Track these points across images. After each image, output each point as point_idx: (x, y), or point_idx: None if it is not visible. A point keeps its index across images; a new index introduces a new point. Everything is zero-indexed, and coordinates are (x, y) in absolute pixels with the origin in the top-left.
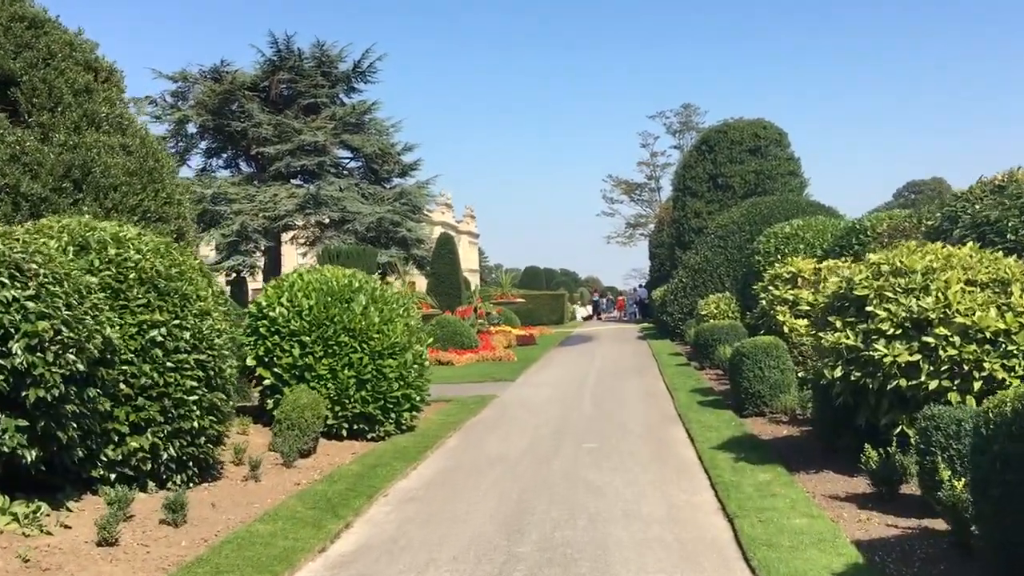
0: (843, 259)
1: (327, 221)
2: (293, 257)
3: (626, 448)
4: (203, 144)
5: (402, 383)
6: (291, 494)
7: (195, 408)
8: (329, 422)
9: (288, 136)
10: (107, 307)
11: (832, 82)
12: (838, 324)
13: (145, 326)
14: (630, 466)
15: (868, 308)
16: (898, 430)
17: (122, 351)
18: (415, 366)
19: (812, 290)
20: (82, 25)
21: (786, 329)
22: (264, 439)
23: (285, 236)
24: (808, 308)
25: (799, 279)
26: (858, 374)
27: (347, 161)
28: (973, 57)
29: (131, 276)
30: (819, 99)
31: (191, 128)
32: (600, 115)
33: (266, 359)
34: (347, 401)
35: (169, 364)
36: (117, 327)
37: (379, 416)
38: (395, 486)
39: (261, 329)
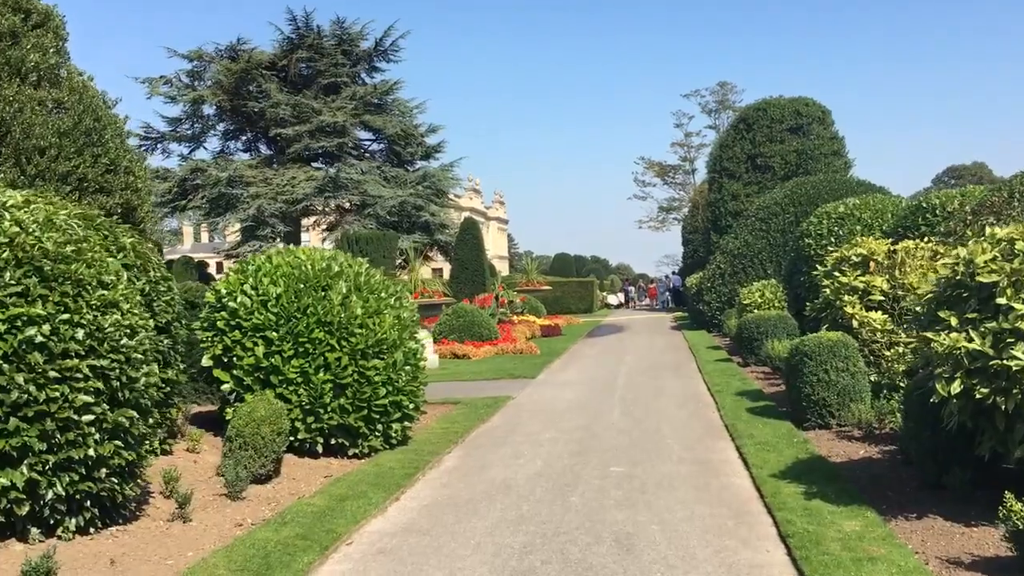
0: (921, 241)
1: (347, 205)
2: (314, 243)
3: (663, 474)
4: (221, 126)
5: (390, 388)
6: (223, 544)
7: (91, 431)
8: (300, 436)
9: (307, 117)
10: None
11: (869, 64)
12: (953, 322)
13: (19, 323)
14: (670, 503)
15: (1000, 300)
16: None
17: None
18: (407, 367)
19: (886, 276)
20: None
21: (855, 323)
22: (218, 458)
23: (306, 221)
24: (882, 298)
25: (871, 263)
26: (985, 390)
27: (368, 143)
28: (1015, 39)
29: (3, 255)
30: (855, 82)
31: (207, 109)
32: (633, 95)
33: (225, 359)
34: (322, 411)
35: (53, 373)
36: None
37: (362, 428)
38: (364, 529)
39: (219, 323)
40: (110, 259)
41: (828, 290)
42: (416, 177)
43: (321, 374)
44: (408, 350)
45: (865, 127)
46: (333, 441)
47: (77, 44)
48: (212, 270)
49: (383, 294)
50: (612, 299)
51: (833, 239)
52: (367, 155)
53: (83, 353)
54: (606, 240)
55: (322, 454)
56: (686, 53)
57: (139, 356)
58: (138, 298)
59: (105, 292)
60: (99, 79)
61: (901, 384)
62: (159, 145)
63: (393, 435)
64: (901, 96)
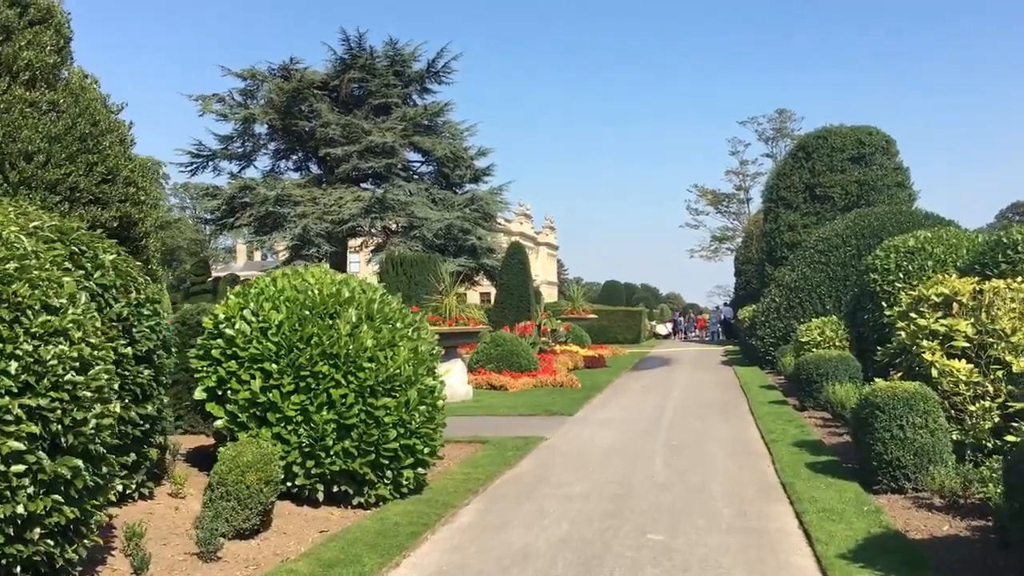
0: (1013, 281)
1: (394, 227)
2: (360, 264)
3: (710, 547)
4: (271, 145)
5: (402, 430)
6: None
7: (23, 483)
8: (299, 482)
9: (356, 137)
10: None
11: (930, 97)
12: None
13: None
14: None
15: None
16: None
17: None
18: (423, 407)
19: (971, 319)
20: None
21: (935, 373)
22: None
23: (353, 242)
24: (966, 344)
25: (954, 304)
26: None
27: (418, 165)
28: None
29: None
30: (913, 114)
31: (258, 128)
32: (688, 122)
33: (219, 392)
34: (324, 454)
35: None
36: None
37: (369, 475)
38: None
39: (214, 351)
40: (66, 278)
41: (903, 333)
42: (464, 200)
43: (324, 412)
44: (424, 387)
45: (923, 160)
46: (336, 488)
47: (127, 61)
48: None
49: (399, 323)
50: (661, 329)
51: (902, 275)
52: (415, 177)
53: (16, 391)
54: (657, 269)
55: (323, 502)
56: (744, 80)
57: (89, 394)
58: (97, 324)
59: (51, 318)
60: (151, 95)
61: (988, 444)
62: (210, 163)
63: (404, 483)
64: (962, 128)
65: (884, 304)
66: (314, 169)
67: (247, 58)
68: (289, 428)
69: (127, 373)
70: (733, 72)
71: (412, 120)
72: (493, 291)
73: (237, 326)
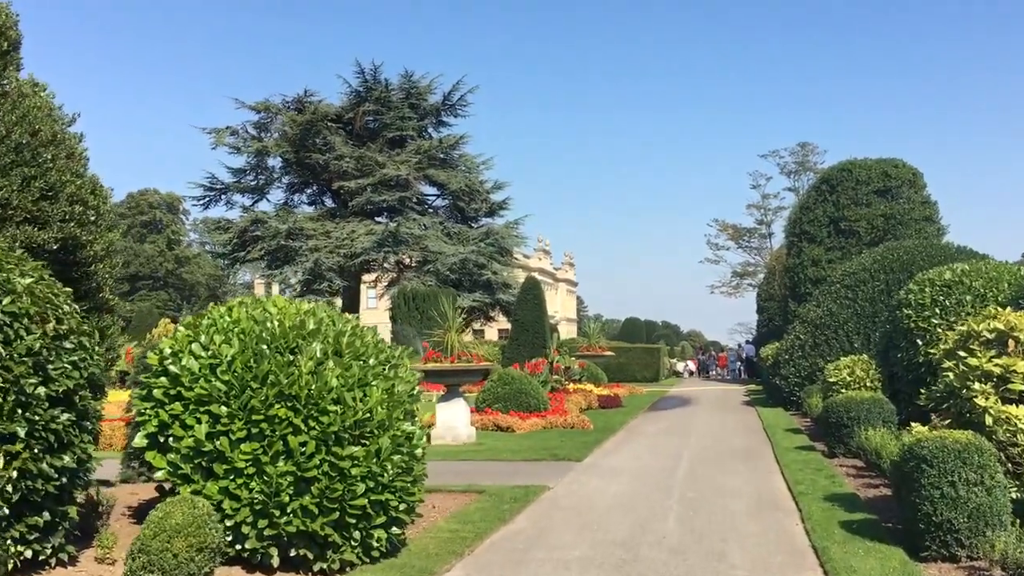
0: None
1: (408, 261)
2: (373, 300)
3: None
4: (286, 179)
5: (373, 483)
6: None
7: None
8: (249, 544)
9: (370, 170)
10: None
11: (962, 132)
12: None
13: None
14: None
15: None
16: None
17: None
18: (397, 456)
19: None
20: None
21: (989, 420)
22: None
23: (368, 278)
24: None
25: (1009, 341)
26: None
27: (433, 198)
28: None
29: None
30: (944, 148)
31: (272, 161)
32: (708, 156)
33: (161, 438)
34: (279, 512)
35: None
36: None
37: (333, 536)
38: None
39: (156, 391)
40: None
41: (951, 374)
42: (479, 234)
43: (280, 463)
44: (400, 433)
45: (946, 195)
46: (293, 552)
47: (141, 95)
48: None
49: (372, 359)
50: (680, 366)
51: (938, 310)
52: (430, 210)
53: None
54: (678, 305)
55: (278, 568)
56: (766, 113)
57: None
58: None
59: None
60: (163, 127)
61: None
62: (223, 196)
63: (375, 545)
64: (990, 164)
65: (919, 342)
66: (328, 203)
67: (261, 91)
68: (239, 481)
69: (37, 417)
70: (755, 104)
71: (427, 153)
72: (507, 327)
73: (184, 362)
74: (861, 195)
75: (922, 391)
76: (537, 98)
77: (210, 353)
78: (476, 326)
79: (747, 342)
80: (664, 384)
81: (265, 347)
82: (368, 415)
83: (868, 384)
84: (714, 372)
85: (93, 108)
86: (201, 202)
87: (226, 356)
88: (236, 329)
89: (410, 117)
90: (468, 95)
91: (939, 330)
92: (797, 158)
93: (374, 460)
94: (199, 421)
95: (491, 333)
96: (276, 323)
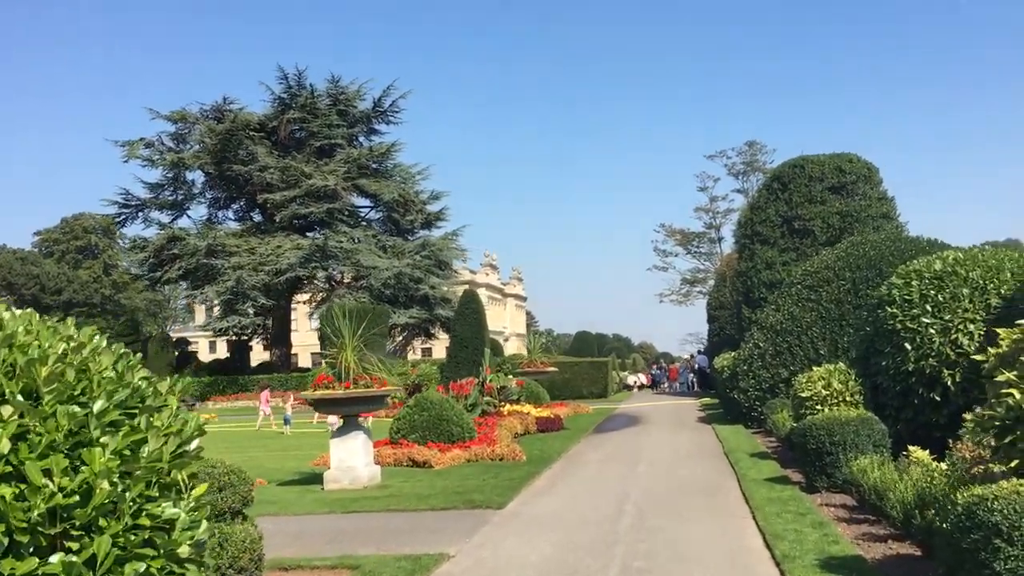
0: None
1: (340, 277)
2: (302, 319)
3: None
4: (209, 194)
5: None
6: None
7: None
8: None
9: (295, 181)
10: None
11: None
12: None
13: None
14: None
15: None
16: None
17: None
18: (140, 564)
19: None
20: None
21: None
22: None
23: (301, 297)
24: None
25: None
26: None
27: (365, 210)
28: None
29: None
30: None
31: (192, 175)
32: (654, 161)
33: None
34: None
35: None
36: None
37: None
38: None
39: None
40: None
41: (1017, 393)
42: (415, 247)
43: None
44: (147, 524)
45: (901, 190)
46: None
47: (50, 105)
48: (200, 348)
49: (102, 402)
50: (632, 379)
51: (929, 307)
52: (363, 223)
53: None
54: (629, 318)
55: None
56: (712, 112)
57: None
58: None
59: None
60: (81, 142)
61: None
62: (140, 213)
63: None
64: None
65: (908, 346)
66: (256, 218)
67: (179, 101)
68: None
69: None
70: (701, 104)
71: (357, 162)
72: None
73: None
74: (815, 192)
75: (967, 416)
76: (479, 109)
77: None
78: (424, 344)
79: (699, 352)
80: (613, 400)
81: None
82: (76, 497)
83: (848, 399)
84: (666, 385)
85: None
86: (117, 220)
87: None
88: None
89: (338, 125)
90: (400, 100)
91: (931, 331)
92: (745, 158)
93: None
94: None
95: (439, 350)
96: None
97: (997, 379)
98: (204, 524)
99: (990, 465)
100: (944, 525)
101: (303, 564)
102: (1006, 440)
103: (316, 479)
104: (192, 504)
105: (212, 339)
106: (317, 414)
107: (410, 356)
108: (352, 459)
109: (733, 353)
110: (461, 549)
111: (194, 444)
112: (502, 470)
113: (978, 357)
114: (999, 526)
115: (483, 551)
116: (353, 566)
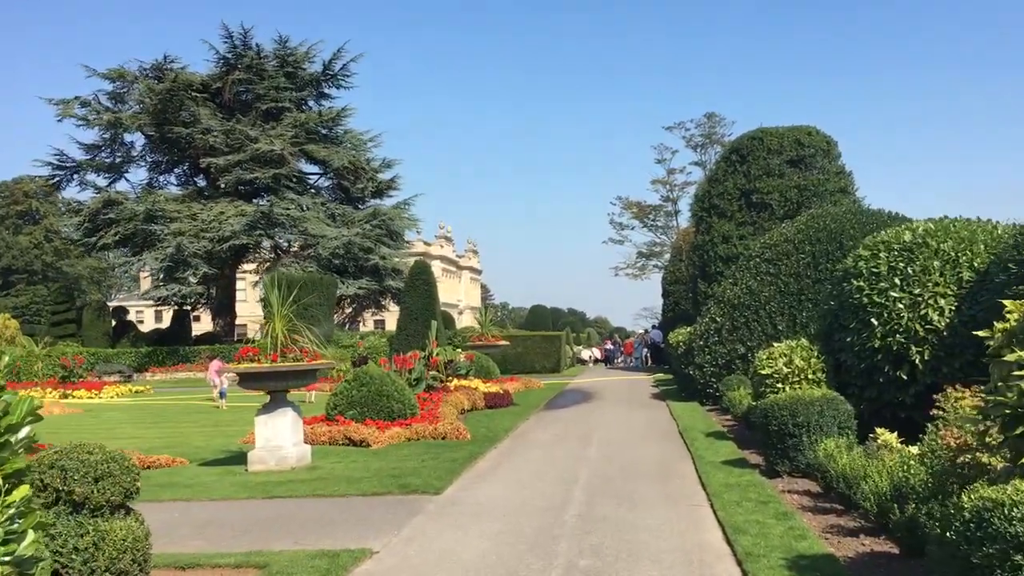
0: None
1: (287, 245)
2: (251, 289)
3: None
4: (150, 157)
5: None
6: None
7: None
8: None
9: (240, 145)
10: None
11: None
12: None
13: None
14: None
15: None
16: None
17: None
18: None
19: None
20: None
21: None
22: None
23: (248, 267)
24: None
25: None
26: None
27: (314, 177)
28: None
29: None
30: (853, 115)
31: (131, 136)
32: (610, 132)
33: None
34: None
35: None
36: None
37: None
38: None
39: None
40: None
41: None
42: (365, 216)
43: None
44: None
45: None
46: None
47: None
48: (138, 317)
49: None
50: (586, 354)
51: (898, 280)
52: (311, 190)
53: None
54: (584, 292)
55: None
56: (671, 84)
57: None
58: None
59: None
60: (13, 99)
61: None
62: (75, 175)
63: None
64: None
65: (874, 321)
66: (199, 183)
67: (119, 60)
68: None
69: None
70: (659, 76)
71: (305, 127)
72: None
73: None
74: (773, 166)
75: (938, 396)
76: (434, 77)
77: None
78: (376, 316)
79: (653, 327)
80: (566, 375)
81: None
82: None
83: (810, 376)
84: (620, 360)
85: None
86: (51, 182)
87: None
88: None
89: (286, 87)
90: (351, 64)
91: (900, 306)
92: (704, 130)
93: None
94: None
95: (392, 322)
96: None
97: (1006, 359)
98: (30, 535)
99: (978, 455)
100: (947, 533)
101: (203, 562)
102: (1017, 431)
103: (242, 459)
104: (12, 511)
105: (158, 309)
106: None
107: (362, 328)
108: (279, 438)
109: (689, 328)
110: (387, 544)
111: (22, 433)
112: (444, 450)
113: (981, 333)
114: (1021, 538)
115: (411, 547)
116: (261, 565)
